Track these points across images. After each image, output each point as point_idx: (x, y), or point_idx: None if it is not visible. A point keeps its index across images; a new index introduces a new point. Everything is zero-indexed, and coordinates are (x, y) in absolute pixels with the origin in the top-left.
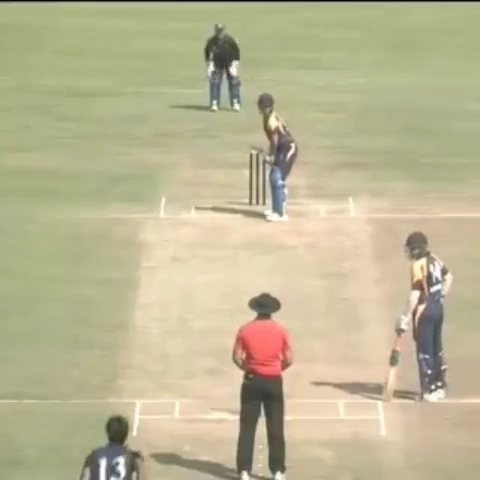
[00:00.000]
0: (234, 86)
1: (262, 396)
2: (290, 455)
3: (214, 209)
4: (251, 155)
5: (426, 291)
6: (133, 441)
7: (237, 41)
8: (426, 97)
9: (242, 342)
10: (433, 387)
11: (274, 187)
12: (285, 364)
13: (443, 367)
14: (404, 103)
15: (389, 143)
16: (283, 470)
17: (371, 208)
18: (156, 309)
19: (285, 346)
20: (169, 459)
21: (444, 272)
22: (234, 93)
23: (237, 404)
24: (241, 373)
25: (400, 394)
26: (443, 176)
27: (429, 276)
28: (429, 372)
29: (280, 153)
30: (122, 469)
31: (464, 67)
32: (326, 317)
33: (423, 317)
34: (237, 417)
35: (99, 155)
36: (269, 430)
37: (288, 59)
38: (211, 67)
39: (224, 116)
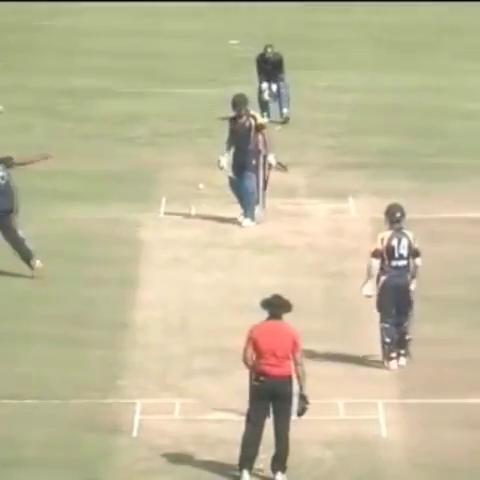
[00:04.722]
0: (282, 96)
1: (271, 397)
2: (290, 455)
3: (214, 209)
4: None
5: (387, 263)
6: (133, 441)
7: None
8: (426, 97)
9: (253, 342)
10: (393, 355)
11: (249, 193)
12: (297, 366)
13: (407, 337)
14: (404, 103)
15: (389, 143)
16: (284, 470)
17: (371, 208)
18: (156, 309)
19: (295, 347)
20: (169, 459)
21: (415, 254)
22: (283, 104)
23: (237, 404)
24: (241, 373)
25: (400, 394)
26: (444, 176)
27: (390, 249)
28: (388, 340)
29: (260, 157)
30: None
31: (464, 66)
32: (326, 317)
33: (383, 287)
34: (237, 417)
35: (99, 155)
36: (276, 430)
37: (288, 59)
38: (263, 85)
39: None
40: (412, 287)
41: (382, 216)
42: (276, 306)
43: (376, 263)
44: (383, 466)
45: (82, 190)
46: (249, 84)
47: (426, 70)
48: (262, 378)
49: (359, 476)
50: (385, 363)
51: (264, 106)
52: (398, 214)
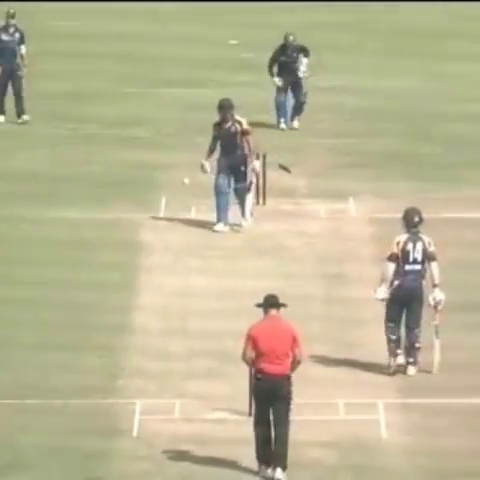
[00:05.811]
0: (299, 105)
1: (271, 396)
2: (290, 455)
3: (214, 210)
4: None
5: (401, 267)
6: (133, 441)
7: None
8: (426, 97)
9: (252, 341)
10: (399, 351)
11: (246, 192)
12: (295, 362)
13: (417, 345)
14: (405, 103)
15: (390, 143)
16: (284, 468)
17: (371, 208)
18: (156, 310)
19: (294, 344)
20: (169, 459)
21: (431, 258)
22: (297, 111)
23: (237, 404)
24: (240, 374)
25: (400, 394)
26: (443, 176)
27: (405, 253)
28: (393, 337)
29: (248, 162)
30: None
31: (464, 69)
32: (326, 317)
33: (394, 290)
34: (237, 417)
35: (99, 156)
36: (275, 428)
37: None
38: (278, 82)
39: None
40: (438, 297)
41: (381, 216)
42: (271, 302)
43: (391, 267)
44: (383, 466)
45: (82, 191)
46: (249, 84)
47: (426, 72)
48: (259, 375)
49: (359, 476)
50: (391, 361)
51: (281, 109)
52: (416, 218)
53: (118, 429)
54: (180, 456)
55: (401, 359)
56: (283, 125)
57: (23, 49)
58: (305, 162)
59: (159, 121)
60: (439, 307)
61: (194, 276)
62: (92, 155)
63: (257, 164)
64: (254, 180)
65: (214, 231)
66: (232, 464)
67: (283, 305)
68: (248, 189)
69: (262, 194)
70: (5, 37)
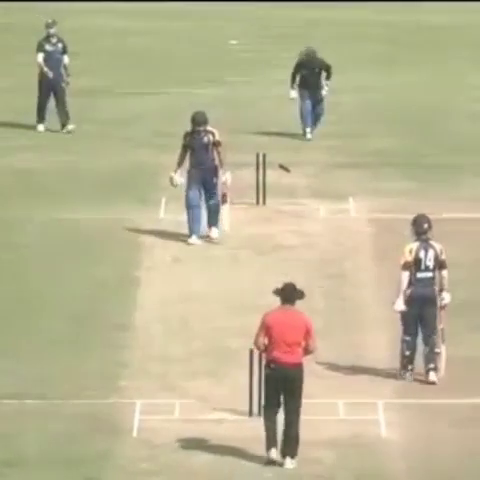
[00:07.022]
0: (317, 115)
1: (282, 384)
2: None
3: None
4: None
5: (413, 275)
6: (133, 441)
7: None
8: (426, 97)
9: (265, 328)
10: (410, 367)
11: (215, 211)
12: (307, 351)
13: (437, 350)
14: (404, 103)
15: (389, 143)
16: (294, 456)
17: (371, 208)
18: (156, 309)
19: (308, 335)
20: (169, 459)
21: (442, 266)
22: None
23: (237, 404)
24: (241, 373)
25: (399, 394)
26: (443, 176)
27: (417, 261)
28: (407, 353)
29: (219, 173)
30: None
31: (465, 66)
32: (326, 317)
33: (408, 300)
34: (237, 417)
35: (99, 155)
36: (287, 416)
37: (287, 59)
38: (292, 94)
39: (223, 117)
40: (446, 300)
41: (381, 216)
42: (288, 291)
43: (407, 275)
44: (382, 466)
45: (82, 190)
46: (248, 84)
47: (426, 70)
48: (273, 365)
49: (359, 476)
50: (401, 373)
51: (306, 119)
52: (425, 225)
53: (118, 429)
54: (180, 456)
55: (411, 376)
56: (309, 135)
57: (66, 59)
58: (305, 162)
59: (159, 121)
60: (445, 308)
61: (195, 276)
62: (92, 155)
63: (229, 176)
64: (228, 191)
65: (189, 244)
66: (232, 464)
67: (299, 296)
68: (224, 201)
69: (262, 194)
70: (49, 47)
